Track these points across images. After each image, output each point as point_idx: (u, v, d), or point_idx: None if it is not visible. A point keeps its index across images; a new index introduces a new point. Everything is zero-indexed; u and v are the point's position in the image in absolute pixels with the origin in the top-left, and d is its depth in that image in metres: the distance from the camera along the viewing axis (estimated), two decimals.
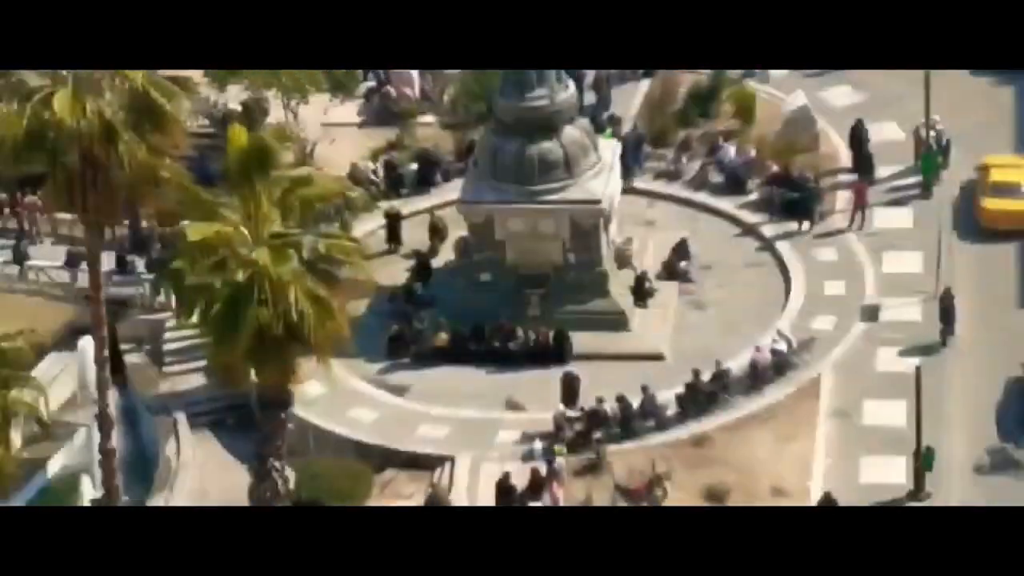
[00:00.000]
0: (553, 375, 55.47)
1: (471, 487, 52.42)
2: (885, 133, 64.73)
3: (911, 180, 63.29)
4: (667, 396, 54.39)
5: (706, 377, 54.51)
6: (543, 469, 51.59)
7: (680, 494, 50.93)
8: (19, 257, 64.06)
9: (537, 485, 51.14)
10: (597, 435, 53.44)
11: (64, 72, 43.22)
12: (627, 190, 62.23)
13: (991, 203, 61.87)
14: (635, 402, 53.97)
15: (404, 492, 53.10)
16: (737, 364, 55.45)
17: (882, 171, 63.54)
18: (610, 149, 60.63)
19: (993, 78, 68.36)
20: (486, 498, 51.50)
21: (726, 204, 63.53)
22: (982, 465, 52.34)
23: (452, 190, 62.43)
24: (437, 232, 62.06)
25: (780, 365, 55.55)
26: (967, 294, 57.42)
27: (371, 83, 69.92)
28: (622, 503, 50.98)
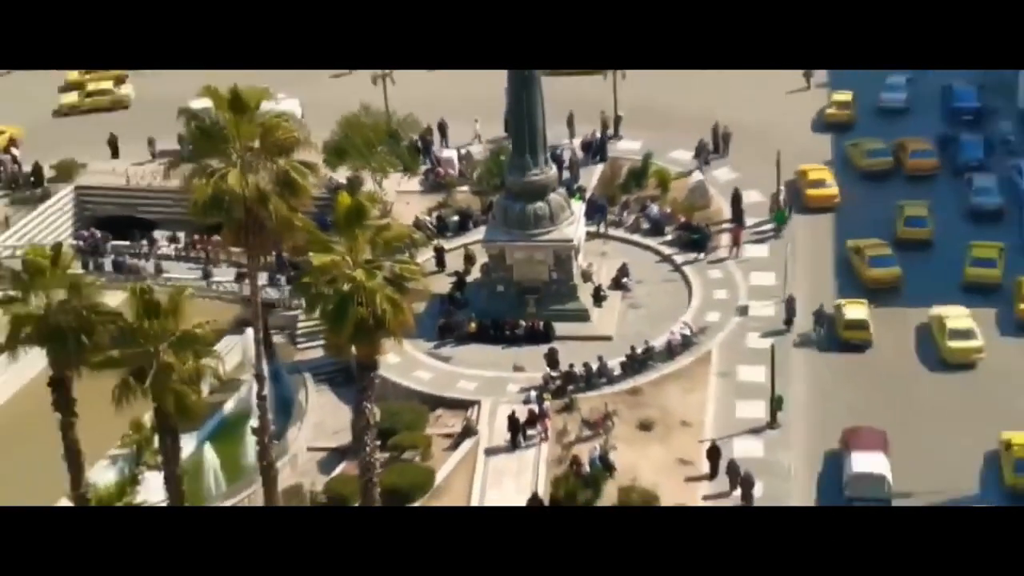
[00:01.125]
0: (542, 350, 55.08)
1: (491, 421, 52.05)
2: (752, 197, 64.14)
3: (768, 227, 62.81)
4: (614, 363, 54.10)
5: (639, 351, 54.26)
6: (537, 409, 51.33)
7: (623, 426, 50.58)
8: (206, 275, 64.04)
9: (533, 419, 50.90)
10: (570, 387, 53.23)
11: (234, 158, 42.68)
12: (590, 233, 61.91)
13: (810, 192, 63.93)
14: (594, 366, 53.74)
15: (448, 423, 52.75)
16: (659, 343, 55.09)
17: (750, 221, 62.97)
18: (579, 207, 60.38)
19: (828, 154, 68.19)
20: (500, 427, 51.09)
21: (652, 242, 62.97)
22: (802, 343, 54.28)
23: (479, 233, 62.03)
24: (469, 260, 61.73)
25: (686, 343, 55.23)
26: (803, 299, 56.92)
27: (427, 165, 69.72)
28: (587, 431, 50.74)
